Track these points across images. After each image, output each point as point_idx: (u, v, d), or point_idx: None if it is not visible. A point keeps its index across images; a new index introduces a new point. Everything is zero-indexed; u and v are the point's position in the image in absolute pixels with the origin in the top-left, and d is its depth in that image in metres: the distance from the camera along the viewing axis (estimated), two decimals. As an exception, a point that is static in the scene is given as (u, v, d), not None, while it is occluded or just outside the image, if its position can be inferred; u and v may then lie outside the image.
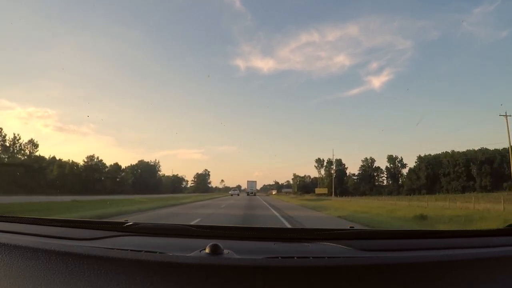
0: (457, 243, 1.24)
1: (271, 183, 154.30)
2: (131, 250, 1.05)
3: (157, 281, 0.91)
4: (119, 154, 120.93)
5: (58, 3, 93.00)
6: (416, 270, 0.97)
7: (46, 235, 1.29)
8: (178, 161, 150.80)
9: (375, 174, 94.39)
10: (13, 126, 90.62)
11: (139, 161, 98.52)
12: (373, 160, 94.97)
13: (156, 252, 1.02)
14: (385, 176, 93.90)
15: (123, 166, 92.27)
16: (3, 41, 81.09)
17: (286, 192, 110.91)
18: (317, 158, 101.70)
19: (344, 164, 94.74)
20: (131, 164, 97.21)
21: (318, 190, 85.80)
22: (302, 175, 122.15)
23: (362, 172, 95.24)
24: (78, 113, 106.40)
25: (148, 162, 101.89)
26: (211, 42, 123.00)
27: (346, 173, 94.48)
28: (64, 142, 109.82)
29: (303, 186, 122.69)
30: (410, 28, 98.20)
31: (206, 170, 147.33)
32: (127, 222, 1.32)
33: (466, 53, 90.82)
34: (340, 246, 1.16)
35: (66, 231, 1.34)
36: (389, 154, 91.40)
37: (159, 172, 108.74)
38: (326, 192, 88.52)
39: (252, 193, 69.86)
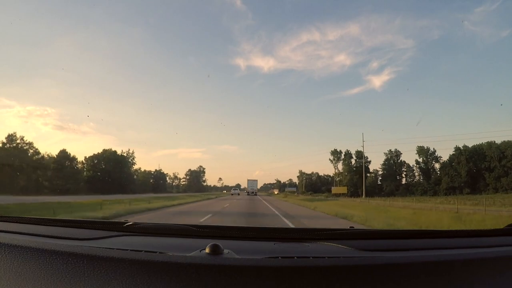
0: (457, 243, 1.28)
1: (272, 182, 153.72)
2: (131, 250, 1.10)
3: (157, 281, 0.93)
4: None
5: (58, 1, 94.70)
6: (416, 270, 1.00)
7: (46, 235, 1.34)
8: (178, 160, 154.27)
9: (402, 169, 75.01)
10: (12, 124, 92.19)
11: (103, 150, 77.99)
12: (398, 153, 76.04)
13: (156, 252, 1.07)
14: (411, 171, 74.14)
15: (78, 156, 77.89)
16: (2, 39, 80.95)
17: (291, 192, 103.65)
18: (333, 149, 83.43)
19: (367, 157, 75.99)
20: (94, 154, 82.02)
21: (335, 190, 68.74)
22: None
23: (386, 168, 75.91)
24: (78, 112, 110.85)
25: (115, 151, 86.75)
26: (212, 41, 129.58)
27: (369, 169, 75.42)
28: (64, 140, 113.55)
29: (310, 184, 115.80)
30: (411, 27, 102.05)
31: (200, 166, 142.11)
32: (127, 222, 1.42)
33: (467, 53, 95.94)
34: (340, 246, 1.20)
35: (66, 231, 1.44)
36: (419, 145, 73.21)
37: (133, 166, 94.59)
38: (345, 191, 68.99)
39: (252, 192, 69.02)
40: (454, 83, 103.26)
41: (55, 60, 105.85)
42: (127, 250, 1.10)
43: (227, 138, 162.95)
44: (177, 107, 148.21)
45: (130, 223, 1.43)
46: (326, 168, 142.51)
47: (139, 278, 0.94)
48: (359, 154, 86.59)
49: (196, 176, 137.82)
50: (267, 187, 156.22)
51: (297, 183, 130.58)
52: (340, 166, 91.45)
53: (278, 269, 0.97)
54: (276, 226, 2.18)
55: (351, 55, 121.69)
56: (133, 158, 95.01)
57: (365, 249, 1.17)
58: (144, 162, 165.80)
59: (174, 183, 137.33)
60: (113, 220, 1.69)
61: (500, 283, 1.01)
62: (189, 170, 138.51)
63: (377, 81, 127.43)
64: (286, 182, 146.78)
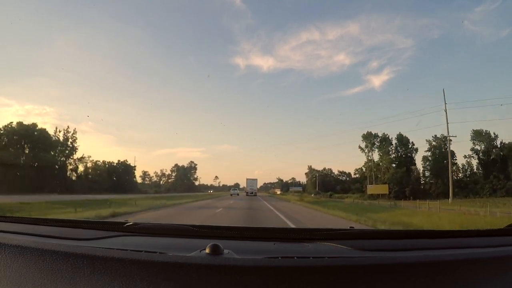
0: (457, 243, 1.35)
1: (272, 181, 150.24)
2: (131, 250, 1.17)
3: (157, 281, 0.97)
4: (121, 153, 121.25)
5: (58, 1, 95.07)
6: (416, 270, 1.05)
7: (46, 235, 1.45)
8: (178, 159, 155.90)
9: (455, 161, 53.49)
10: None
11: (17, 123, 58.37)
12: (446, 140, 54.30)
13: (156, 252, 1.13)
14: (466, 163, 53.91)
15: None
16: (1, 38, 78.97)
17: (296, 192, 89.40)
18: (366, 132, 61.25)
19: (413, 143, 54.67)
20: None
21: (372, 189, 51.47)
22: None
23: (432, 159, 54.09)
24: (77, 111, 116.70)
25: (33, 125, 59.51)
26: (211, 41, 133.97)
27: (414, 160, 54.13)
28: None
29: (322, 183, 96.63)
30: (411, 27, 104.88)
31: (191, 162, 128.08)
32: (127, 222, 1.54)
33: (467, 52, 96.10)
34: (340, 246, 1.27)
35: (66, 231, 1.55)
36: (475, 128, 52.77)
37: (74, 154, 68.94)
38: (386, 191, 45.80)
39: (252, 193, 61.54)
40: (454, 82, 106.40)
41: (55, 59, 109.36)
42: (127, 250, 1.15)
43: (226, 137, 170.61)
44: (177, 107, 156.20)
45: (130, 223, 1.51)
46: (334, 166, 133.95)
47: (139, 278, 0.97)
48: (402, 140, 64.74)
49: (184, 173, 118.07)
50: (267, 187, 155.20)
51: (301, 182, 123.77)
52: (376, 156, 68.99)
53: (278, 269, 1.00)
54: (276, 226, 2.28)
55: (350, 54, 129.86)
56: (74, 141, 64.25)
57: (365, 249, 1.22)
58: (143, 161, 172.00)
59: (162, 181, 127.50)
60: (113, 220, 1.78)
61: (501, 283, 1.05)
62: (176, 165, 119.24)
63: (377, 81, 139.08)
64: (289, 181, 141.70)
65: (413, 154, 68.84)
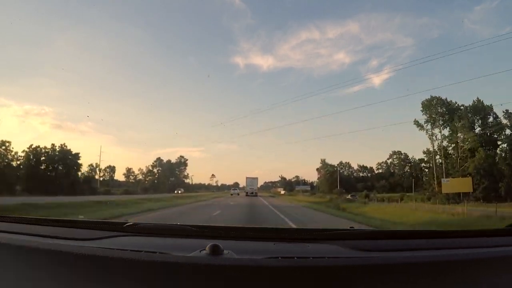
0: (457, 243, 1.38)
1: (273, 180, 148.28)
2: (131, 250, 1.23)
3: (157, 281, 1.02)
4: (120, 153, 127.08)
5: (58, 1, 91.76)
6: (416, 270, 1.08)
7: (46, 235, 1.54)
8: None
9: None
10: (9, 123, 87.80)
11: None
12: None
13: (156, 252, 1.19)
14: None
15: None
16: (1, 38, 79.47)
17: (304, 190, 79.87)
18: (429, 96, 39.81)
19: (496, 116, 34.39)
20: None
21: (448, 185, 25.32)
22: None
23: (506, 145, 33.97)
24: (77, 111, 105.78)
25: None
26: (211, 41, 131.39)
27: (496, 142, 33.20)
28: (63, 140, 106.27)
29: (340, 181, 79.58)
30: (411, 26, 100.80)
31: (181, 157, 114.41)
32: (127, 222, 1.63)
33: (467, 51, 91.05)
34: (340, 246, 1.32)
35: (66, 231, 1.63)
36: None
37: None
38: (470, 188, 22.65)
39: (252, 193, 60.25)
40: (453, 81, 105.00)
41: (55, 59, 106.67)
42: (127, 250, 1.20)
43: (226, 137, 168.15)
44: (177, 107, 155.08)
45: (130, 223, 1.57)
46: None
47: (139, 278, 1.01)
48: (480, 111, 43.51)
49: (170, 169, 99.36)
50: (268, 186, 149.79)
51: (307, 181, 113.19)
52: (440, 139, 47.73)
53: (278, 269, 1.04)
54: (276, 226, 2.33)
55: (350, 53, 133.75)
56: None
57: (365, 249, 1.26)
58: (142, 161, 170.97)
59: (146, 179, 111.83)
60: (113, 220, 1.88)
61: (501, 283, 1.06)
62: (158, 159, 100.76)
63: (377, 79, 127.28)
64: (293, 180, 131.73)
65: (496, 133, 46.03)
